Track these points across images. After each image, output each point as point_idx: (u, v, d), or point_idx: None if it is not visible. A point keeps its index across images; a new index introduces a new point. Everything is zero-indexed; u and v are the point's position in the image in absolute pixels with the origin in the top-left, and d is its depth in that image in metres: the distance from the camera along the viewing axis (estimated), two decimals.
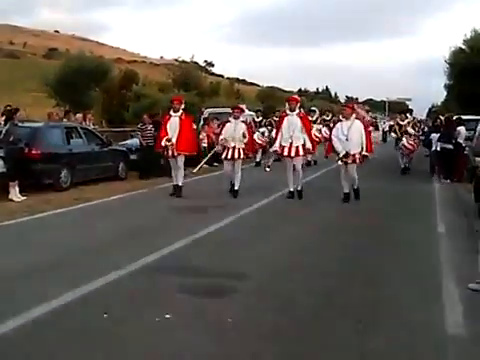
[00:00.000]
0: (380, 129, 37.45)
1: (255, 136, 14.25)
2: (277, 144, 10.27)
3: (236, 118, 10.55)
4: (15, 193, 9.82)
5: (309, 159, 16.01)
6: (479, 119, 15.02)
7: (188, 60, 50.48)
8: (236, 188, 10.42)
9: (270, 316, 4.25)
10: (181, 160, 10.60)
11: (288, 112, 10.22)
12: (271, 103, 39.55)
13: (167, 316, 4.17)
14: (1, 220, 7.90)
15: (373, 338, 3.82)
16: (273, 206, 9.52)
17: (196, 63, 58.19)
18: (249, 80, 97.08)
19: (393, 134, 15.97)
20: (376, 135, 30.96)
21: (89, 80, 26.41)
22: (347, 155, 9.58)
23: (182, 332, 3.90)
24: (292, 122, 10.02)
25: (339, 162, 9.80)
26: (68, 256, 5.94)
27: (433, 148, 14.05)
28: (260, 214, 8.80)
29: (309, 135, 10.25)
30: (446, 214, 8.72)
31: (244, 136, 10.36)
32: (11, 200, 9.66)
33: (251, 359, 3.51)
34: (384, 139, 34.21)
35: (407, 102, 63.94)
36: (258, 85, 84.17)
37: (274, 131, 12.43)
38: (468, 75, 24.60)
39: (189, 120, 10.97)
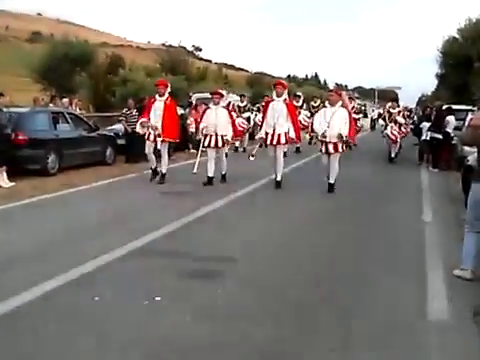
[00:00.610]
0: (369, 117, 37.56)
1: (238, 121, 13.95)
2: (262, 132, 9.98)
3: (216, 104, 10.21)
4: (3, 179, 9.75)
5: (298, 145, 16.04)
6: (469, 109, 15.07)
7: (176, 45, 50.09)
8: (223, 172, 10.44)
9: (258, 299, 4.31)
10: (165, 147, 10.40)
11: (274, 98, 9.88)
12: (260, 89, 39.36)
13: (157, 299, 4.22)
14: None
15: (357, 324, 3.88)
16: (260, 192, 9.55)
17: (184, 48, 57.74)
18: (238, 66, 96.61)
19: (381, 121, 16.02)
20: (364, 123, 31.07)
21: (75, 65, 26.08)
22: (325, 141, 9.22)
23: (172, 314, 3.96)
24: (277, 108, 9.70)
25: (317, 144, 9.41)
26: (57, 241, 5.95)
27: (423, 137, 14.14)
28: (248, 199, 8.84)
29: (295, 124, 9.89)
30: (433, 202, 8.79)
31: (227, 142, 10.29)
32: None
33: (240, 341, 3.57)
34: (372, 127, 34.41)
35: (397, 90, 63.92)
36: (247, 71, 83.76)
37: (259, 116, 12.22)
38: (461, 64, 24.49)
39: (174, 105, 10.66)
